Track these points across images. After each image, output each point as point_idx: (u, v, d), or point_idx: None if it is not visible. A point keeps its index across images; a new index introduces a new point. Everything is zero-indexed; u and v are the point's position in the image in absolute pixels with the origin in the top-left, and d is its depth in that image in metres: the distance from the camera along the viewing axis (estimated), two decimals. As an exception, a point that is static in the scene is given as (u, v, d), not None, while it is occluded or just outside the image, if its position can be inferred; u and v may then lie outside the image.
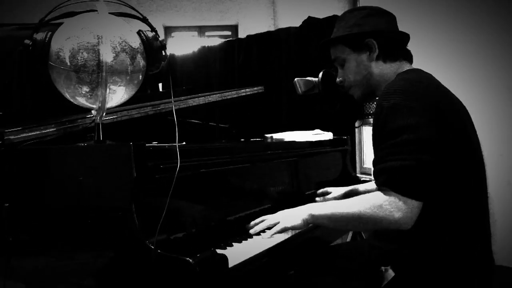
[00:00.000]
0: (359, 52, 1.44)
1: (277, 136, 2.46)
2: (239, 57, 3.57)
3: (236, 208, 1.57)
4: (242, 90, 2.54)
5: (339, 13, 3.38)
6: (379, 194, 1.21)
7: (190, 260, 1.02)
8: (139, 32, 1.35)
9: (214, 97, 2.32)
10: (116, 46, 1.25)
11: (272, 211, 1.65)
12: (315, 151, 2.20)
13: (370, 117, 2.80)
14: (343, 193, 1.91)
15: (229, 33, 5.61)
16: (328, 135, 2.46)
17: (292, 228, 1.36)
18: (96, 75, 1.23)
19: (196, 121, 2.57)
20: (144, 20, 1.38)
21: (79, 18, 1.27)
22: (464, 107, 1.35)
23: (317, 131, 2.57)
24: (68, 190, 1.22)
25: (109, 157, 1.17)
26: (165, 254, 1.05)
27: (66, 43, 1.23)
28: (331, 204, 1.38)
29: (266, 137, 2.52)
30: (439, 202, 1.21)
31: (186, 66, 3.96)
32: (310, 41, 3.29)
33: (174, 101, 2.12)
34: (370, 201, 1.22)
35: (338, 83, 1.51)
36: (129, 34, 1.30)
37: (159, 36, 1.38)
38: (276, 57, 3.40)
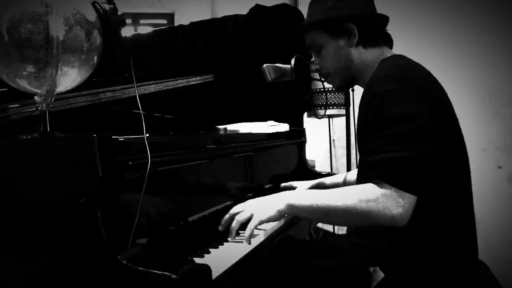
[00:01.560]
0: (338, 38, 1.33)
1: (231, 127, 2.32)
2: (181, 44, 3.35)
3: (199, 207, 1.41)
4: (192, 79, 2.36)
5: (284, 1, 3.31)
6: (373, 186, 1.10)
7: (174, 276, 0.84)
8: (94, 4, 1.13)
9: (164, 85, 2.13)
10: (69, 18, 1.03)
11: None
12: (275, 143, 2.08)
13: (318, 108, 2.73)
14: (309, 187, 1.81)
15: (164, 21, 5.33)
16: (284, 127, 2.36)
17: (268, 220, 1.19)
18: (44, 52, 1.01)
19: (141, 112, 2.34)
20: (99, -10, 1.16)
21: (20, -18, 1.04)
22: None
23: (271, 122, 2.46)
24: (12, 193, 1.00)
25: (66, 152, 0.95)
26: (139, 269, 0.86)
27: (3, 11, 0.99)
28: (313, 193, 1.24)
29: (219, 129, 2.36)
30: (431, 196, 1.14)
31: (120, 54, 3.66)
32: (258, 29, 3.15)
33: (121, 89, 1.89)
34: (364, 193, 1.10)
35: (314, 71, 1.40)
36: (84, 5, 1.09)
37: (117, 10, 1.17)
38: (223, 45, 3.23)
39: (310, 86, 1.57)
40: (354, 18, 1.30)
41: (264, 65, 1.62)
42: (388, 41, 1.36)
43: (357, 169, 1.92)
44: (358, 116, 1.22)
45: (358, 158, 3.05)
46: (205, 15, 4.83)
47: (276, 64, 1.61)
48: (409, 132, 1.07)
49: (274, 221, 1.21)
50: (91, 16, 1.10)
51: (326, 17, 1.33)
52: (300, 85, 1.51)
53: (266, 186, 1.94)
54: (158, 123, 2.43)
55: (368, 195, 1.09)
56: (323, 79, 1.58)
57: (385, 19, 1.36)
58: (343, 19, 1.30)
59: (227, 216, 1.25)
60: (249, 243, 1.19)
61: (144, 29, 5.00)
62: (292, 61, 1.52)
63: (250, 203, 1.25)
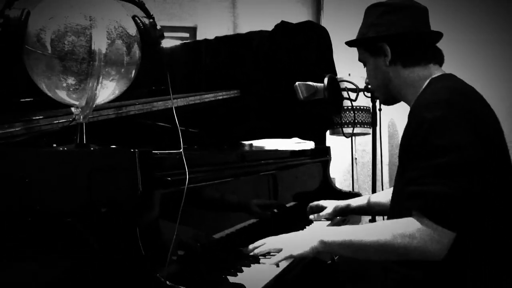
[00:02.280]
0: (376, 56, 1.31)
1: (256, 144, 2.30)
2: (206, 58, 3.36)
3: (227, 223, 1.39)
4: (219, 94, 2.36)
5: (302, 18, 3.31)
6: (410, 221, 1.08)
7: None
8: (134, 18, 1.14)
9: (191, 99, 2.13)
10: (111, 32, 1.03)
11: (260, 225, 1.48)
12: (302, 161, 2.06)
13: (345, 126, 2.70)
14: (334, 209, 1.77)
15: (187, 35, 5.38)
16: (309, 144, 2.34)
17: (299, 256, 1.21)
18: (86, 64, 1.01)
19: (167, 125, 2.35)
20: (140, 4, 1.17)
21: (65, -5, 1.04)
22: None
23: (297, 139, 2.44)
24: (45, 204, 0.99)
25: (105, 166, 0.95)
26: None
27: (49, 23, 1.00)
28: (347, 229, 1.24)
29: (244, 145, 2.35)
30: (473, 230, 1.10)
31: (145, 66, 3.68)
32: (283, 45, 3.15)
33: (149, 102, 1.90)
34: (399, 228, 1.09)
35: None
36: (125, 18, 1.09)
37: (157, 24, 1.18)
38: (247, 60, 3.23)
39: (342, 105, 1.55)
40: (387, 37, 1.27)
41: (297, 83, 1.61)
42: (436, 58, 1.29)
43: (381, 192, 1.89)
44: (404, 137, 1.19)
45: (383, 177, 3.00)
46: (227, 29, 4.87)
47: (308, 82, 1.60)
48: (455, 165, 1.04)
49: (306, 257, 1.22)
50: (132, 29, 1.10)
51: (363, 36, 1.33)
52: (332, 104, 1.49)
53: (291, 204, 1.92)
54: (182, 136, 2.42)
55: (405, 230, 1.07)
56: (352, 98, 1.57)
57: (434, 36, 1.30)
58: (378, 38, 1.28)
59: (256, 243, 1.27)
60: (277, 266, 1.18)
61: (166, 42, 5.05)
62: (325, 80, 1.50)
63: (285, 237, 1.27)
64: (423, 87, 1.24)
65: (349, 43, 1.38)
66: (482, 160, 1.06)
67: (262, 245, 1.26)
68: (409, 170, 1.11)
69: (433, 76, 1.25)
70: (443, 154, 1.05)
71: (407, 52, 1.28)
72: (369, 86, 1.43)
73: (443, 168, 1.04)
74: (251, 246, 1.27)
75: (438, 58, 1.29)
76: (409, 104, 1.29)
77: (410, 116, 1.17)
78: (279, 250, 1.23)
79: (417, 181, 1.08)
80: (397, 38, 1.28)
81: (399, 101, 1.36)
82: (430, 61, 1.28)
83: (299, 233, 1.28)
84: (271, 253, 1.24)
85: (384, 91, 1.34)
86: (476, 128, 1.08)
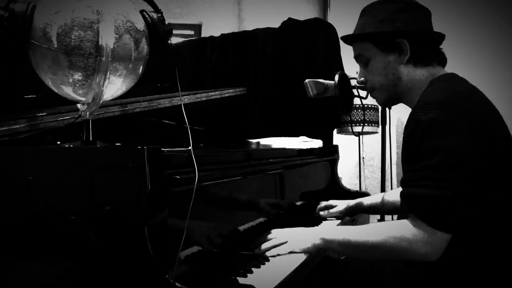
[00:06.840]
0: (388, 53, 1.26)
1: (263, 142, 2.28)
2: (212, 56, 3.34)
3: (233, 223, 1.37)
4: (226, 91, 2.34)
5: (308, 15, 3.28)
6: (405, 223, 1.08)
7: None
8: (142, 12, 1.11)
9: (197, 96, 2.10)
10: (119, 26, 1.01)
11: (268, 224, 1.48)
12: (311, 160, 2.03)
13: (354, 125, 2.67)
14: (346, 207, 1.75)
15: (191, 32, 5.37)
16: (317, 143, 2.31)
17: (301, 252, 1.24)
18: (93, 59, 0.98)
19: (172, 123, 2.32)
20: (148, -2, 1.14)
21: (72, -12, 1.02)
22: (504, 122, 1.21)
23: (304, 138, 2.41)
24: (49, 202, 0.96)
25: (112, 164, 0.92)
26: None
27: (55, 17, 0.97)
28: (347, 229, 1.27)
29: (251, 143, 2.33)
30: (471, 232, 1.08)
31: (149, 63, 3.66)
32: (290, 42, 3.12)
33: (159, 99, 1.87)
34: (395, 230, 1.10)
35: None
36: (133, 13, 1.07)
37: (165, 19, 1.15)
38: (254, 57, 3.21)
39: (352, 103, 1.52)
40: (408, 34, 1.23)
41: (306, 80, 1.58)
42: (441, 60, 1.28)
43: (395, 190, 1.86)
44: (403, 140, 1.18)
45: (392, 176, 2.97)
46: (232, 27, 4.84)
47: (318, 80, 1.57)
48: (447, 167, 1.02)
49: (308, 253, 1.24)
50: (140, 24, 1.08)
51: (378, 30, 1.26)
52: (343, 102, 1.46)
53: (299, 203, 1.89)
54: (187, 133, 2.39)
55: (400, 232, 1.08)
56: (362, 96, 1.53)
57: (440, 37, 1.28)
58: (396, 34, 1.24)
59: (268, 238, 1.27)
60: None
61: (171, 39, 5.01)
62: (336, 77, 1.46)
63: (289, 232, 1.29)
64: (425, 87, 1.22)
65: (353, 37, 1.30)
66: (477, 161, 1.04)
67: (270, 239, 1.26)
68: (404, 172, 1.13)
69: (435, 76, 1.23)
70: (434, 155, 1.03)
71: (424, 52, 1.25)
72: (363, 85, 1.34)
73: (434, 168, 1.03)
74: (263, 247, 1.25)
75: (444, 60, 1.28)
76: (410, 106, 1.26)
77: (409, 118, 1.15)
78: (283, 244, 1.25)
79: (409, 183, 1.08)
80: (418, 36, 1.24)
81: (399, 102, 1.32)
82: (439, 62, 1.26)
83: (305, 229, 1.30)
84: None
85: (390, 91, 1.28)
86: (474, 129, 1.05)
